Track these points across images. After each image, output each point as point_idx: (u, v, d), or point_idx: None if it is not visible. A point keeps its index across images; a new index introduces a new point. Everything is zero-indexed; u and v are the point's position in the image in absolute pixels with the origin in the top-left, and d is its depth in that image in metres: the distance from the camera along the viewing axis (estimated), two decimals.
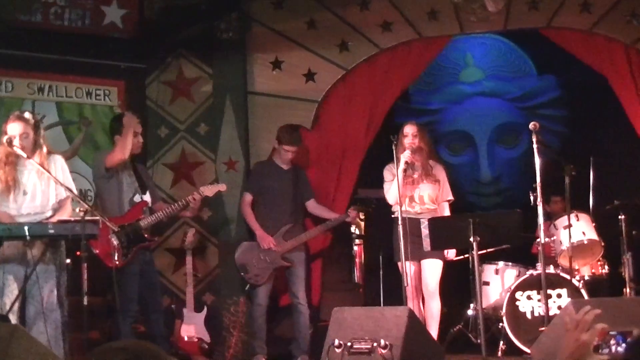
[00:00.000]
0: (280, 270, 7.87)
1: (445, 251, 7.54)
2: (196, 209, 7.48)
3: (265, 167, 8.03)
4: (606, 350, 2.66)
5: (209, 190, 7.46)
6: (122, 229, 6.80)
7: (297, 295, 7.82)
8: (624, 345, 2.69)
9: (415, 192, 7.50)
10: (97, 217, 6.14)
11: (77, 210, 6.13)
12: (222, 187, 7.59)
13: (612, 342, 2.66)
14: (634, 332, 2.78)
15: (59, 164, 6.48)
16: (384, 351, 5.57)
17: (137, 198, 7.16)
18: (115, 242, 6.79)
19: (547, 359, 2.53)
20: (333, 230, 8.27)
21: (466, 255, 7.89)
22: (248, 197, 7.95)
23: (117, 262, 6.75)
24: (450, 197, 7.69)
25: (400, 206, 7.11)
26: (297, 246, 7.86)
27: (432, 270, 7.46)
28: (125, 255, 6.86)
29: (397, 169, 7.25)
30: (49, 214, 6.37)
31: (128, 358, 2.06)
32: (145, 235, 7.06)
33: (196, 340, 7.85)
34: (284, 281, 7.98)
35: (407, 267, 7.29)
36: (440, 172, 7.70)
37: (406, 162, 7.33)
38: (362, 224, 9.35)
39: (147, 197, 7.24)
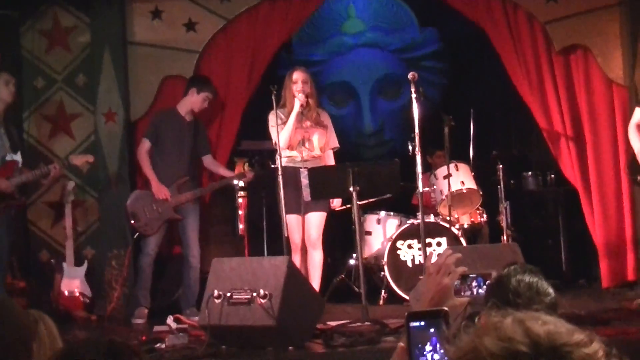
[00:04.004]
0: (173, 222, 7.81)
1: (331, 200, 7.60)
2: (54, 181, 7.42)
3: (167, 116, 7.88)
4: (468, 293, 2.71)
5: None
6: None
7: (191, 247, 7.78)
8: (484, 287, 2.75)
9: (306, 136, 7.51)
10: None
11: None
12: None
13: (474, 284, 2.72)
14: (492, 274, 2.83)
15: None
16: (263, 301, 5.58)
17: (8, 157, 7.08)
18: None
19: (417, 305, 2.56)
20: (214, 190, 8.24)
21: (349, 206, 7.97)
22: (146, 144, 7.78)
23: None
24: (336, 145, 7.74)
25: (281, 155, 7.11)
26: (190, 199, 7.79)
27: (315, 221, 7.50)
28: None
29: (287, 114, 7.26)
30: None
31: None
32: (16, 195, 6.97)
33: (77, 295, 7.73)
34: (175, 232, 7.91)
35: (290, 219, 7.32)
36: (327, 119, 7.74)
37: (301, 105, 7.33)
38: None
39: (17, 157, 7.12)
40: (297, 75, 7.50)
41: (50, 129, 8.28)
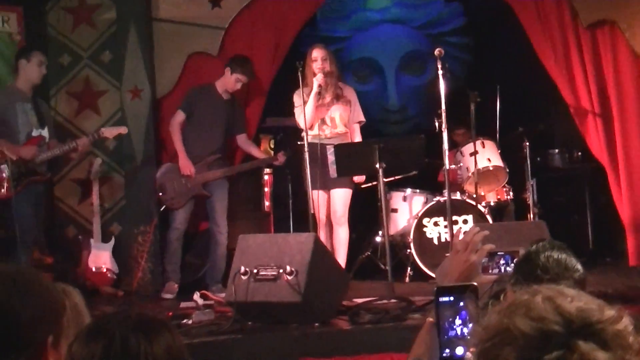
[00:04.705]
0: (201, 198, 7.82)
1: (355, 177, 7.59)
2: (83, 154, 7.42)
3: (204, 92, 7.85)
4: (495, 271, 2.70)
5: (109, 132, 7.47)
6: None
7: (218, 223, 7.79)
8: (512, 265, 2.74)
9: (327, 114, 7.50)
10: None
11: None
12: (123, 129, 7.58)
13: (502, 262, 2.70)
14: (520, 251, 2.82)
15: None
16: (289, 277, 5.60)
17: (34, 132, 7.10)
18: (4, 173, 6.72)
19: (444, 282, 2.56)
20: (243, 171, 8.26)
21: (375, 182, 7.96)
22: (180, 116, 7.76)
23: (4, 193, 6.72)
24: (362, 119, 7.72)
25: (307, 132, 7.10)
26: (218, 177, 7.80)
27: (340, 198, 7.50)
28: (14, 187, 6.76)
29: (308, 92, 7.24)
30: None
31: (3, 282, 2.01)
32: (38, 170, 6.99)
33: (104, 270, 7.79)
34: (203, 208, 7.93)
35: (315, 195, 7.32)
36: (351, 94, 7.71)
37: (319, 85, 7.31)
38: (272, 152, 9.32)
39: (44, 132, 7.16)
40: (317, 53, 7.47)
41: (77, 106, 8.31)
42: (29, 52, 7.27)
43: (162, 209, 7.84)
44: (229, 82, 7.74)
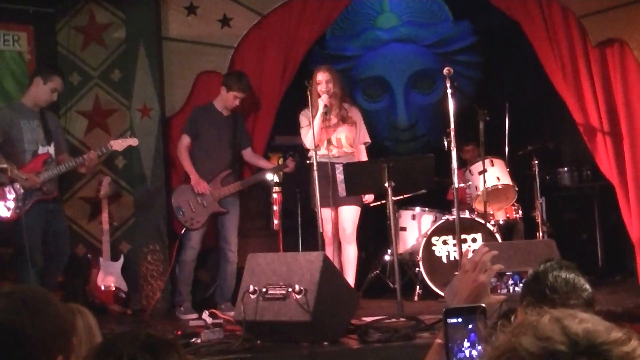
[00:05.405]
0: (219, 215, 7.81)
1: (363, 196, 7.59)
2: (92, 167, 7.38)
3: (205, 112, 7.87)
4: (504, 290, 2.70)
5: (118, 145, 7.32)
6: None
7: (229, 241, 7.78)
8: (521, 284, 2.74)
9: (332, 135, 7.51)
10: (5, 166, 6.04)
11: None
12: (133, 141, 7.46)
13: (510, 281, 2.70)
14: (528, 271, 2.82)
15: None
16: (298, 296, 5.59)
17: (41, 150, 7.05)
18: (10, 194, 6.72)
19: (453, 301, 2.56)
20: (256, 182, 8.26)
21: (384, 201, 7.96)
22: (186, 140, 7.79)
23: (9, 215, 6.74)
24: (368, 140, 7.73)
25: (316, 151, 7.12)
26: (233, 191, 7.82)
27: (349, 216, 7.50)
28: (19, 208, 6.76)
29: (314, 113, 7.26)
30: None
31: (13, 303, 2.02)
32: (44, 189, 6.95)
33: (113, 289, 7.79)
34: (212, 227, 7.92)
35: (324, 213, 7.33)
36: (356, 115, 7.72)
37: (325, 105, 7.33)
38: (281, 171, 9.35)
39: (51, 149, 7.11)
40: (321, 76, 7.49)
41: (87, 125, 8.34)
42: (50, 74, 7.13)
43: (183, 231, 7.77)
44: (227, 100, 7.77)
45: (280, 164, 8.02)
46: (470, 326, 2.04)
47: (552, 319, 1.49)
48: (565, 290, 2.79)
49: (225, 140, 7.83)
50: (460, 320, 2.06)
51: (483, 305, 2.10)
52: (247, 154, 8.04)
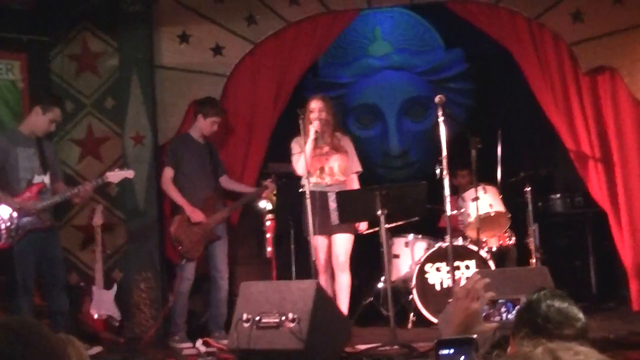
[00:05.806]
0: (214, 241, 7.76)
1: (357, 224, 7.60)
2: (85, 198, 7.36)
3: (183, 141, 7.89)
4: (497, 318, 2.70)
5: (114, 177, 7.31)
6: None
7: (219, 269, 7.74)
8: (513, 312, 2.74)
9: (325, 164, 7.52)
10: None
11: None
12: (129, 173, 7.43)
13: (503, 309, 2.70)
14: (521, 299, 2.82)
15: None
16: (291, 325, 5.59)
17: (36, 179, 7.01)
18: (2, 223, 6.70)
19: (446, 329, 2.56)
20: (243, 205, 8.25)
21: (377, 229, 7.95)
22: (169, 172, 7.77)
23: (3, 243, 6.71)
24: (359, 169, 7.74)
25: (308, 179, 7.13)
26: (225, 217, 7.82)
27: (342, 244, 7.49)
28: (12, 237, 6.74)
29: (306, 140, 7.27)
30: None
31: (6, 335, 2.02)
32: (40, 217, 6.92)
33: (106, 317, 7.76)
34: (201, 255, 7.89)
35: (317, 241, 7.32)
36: (348, 144, 7.74)
37: (316, 132, 7.34)
38: (274, 198, 9.34)
39: (46, 178, 7.07)
40: (314, 105, 7.52)
41: (80, 153, 8.36)
42: (51, 105, 7.09)
43: (183, 262, 7.72)
44: (205, 126, 7.79)
45: (261, 187, 8.01)
46: (462, 358, 2.04)
47: (545, 351, 1.49)
48: (558, 320, 2.78)
49: (207, 167, 7.84)
50: (451, 351, 2.06)
51: (474, 336, 2.11)
52: (224, 180, 8.03)
